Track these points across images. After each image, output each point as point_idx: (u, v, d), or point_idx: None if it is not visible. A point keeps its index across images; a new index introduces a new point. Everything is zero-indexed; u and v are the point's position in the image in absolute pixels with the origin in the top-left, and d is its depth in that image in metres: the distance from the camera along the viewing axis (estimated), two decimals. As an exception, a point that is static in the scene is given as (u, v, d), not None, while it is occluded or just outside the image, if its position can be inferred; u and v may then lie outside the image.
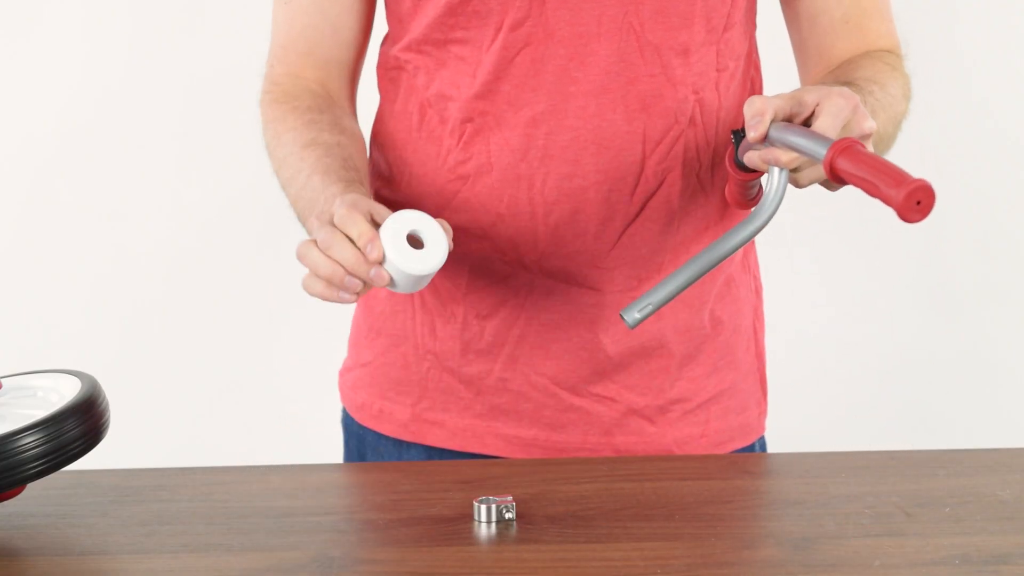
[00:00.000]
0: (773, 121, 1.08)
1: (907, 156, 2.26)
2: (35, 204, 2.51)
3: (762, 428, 1.41)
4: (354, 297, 1.11)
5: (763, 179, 1.14)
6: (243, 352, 2.55)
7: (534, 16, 1.23)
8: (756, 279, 1.42)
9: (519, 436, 1.33)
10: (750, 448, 1.39)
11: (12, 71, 2.47)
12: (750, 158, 1.11)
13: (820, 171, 1.08)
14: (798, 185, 1.12)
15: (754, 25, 1.34)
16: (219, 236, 2.51)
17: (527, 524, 1.10)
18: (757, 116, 1.08)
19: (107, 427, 1.12)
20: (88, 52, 2.46)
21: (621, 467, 1.23)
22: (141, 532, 1.10)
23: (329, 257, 1.10)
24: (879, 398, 2.57)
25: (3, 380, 1.19)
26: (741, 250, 1.37)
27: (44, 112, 2.48)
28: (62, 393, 1.14)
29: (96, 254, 2.52)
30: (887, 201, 0.97)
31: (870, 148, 1.10)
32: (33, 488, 1.17)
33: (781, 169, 1.09)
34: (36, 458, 1.05)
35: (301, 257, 1.13)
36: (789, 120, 1.09)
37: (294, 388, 2.52)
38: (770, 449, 1.42)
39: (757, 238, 1.41)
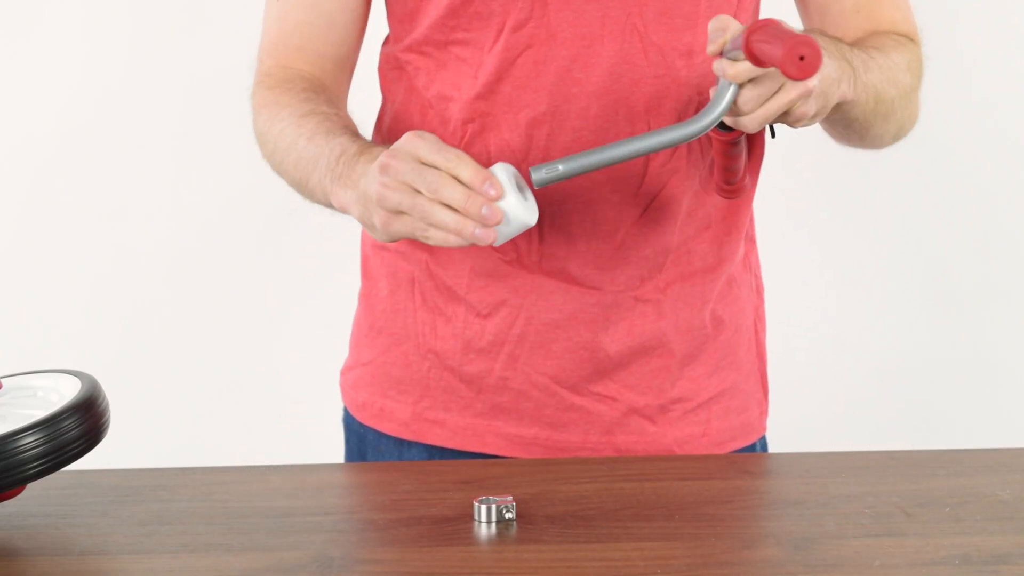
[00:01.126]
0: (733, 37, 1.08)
1: (908, 155, 2.26)
2: (35, 204, 2.51)
3: (763, 428, 1.41)
4: (490, 236, 1.08)
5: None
6: (243, 352, 2.55)
7: (536, 17, 1.23)
8: (757, 278, 1.42)
9: (520, 435, 1.33)
10: (751, 448, 1.39)
11: (12, 71, 2.47)
12: (718, 65, 1.10)
13: (767, 103, 1.09)
14: (747, 127, 1.11)
15: (755, 26, 1.34)
16: (219, 236, 2.51)
17: (527, 524, 1.10)
18: (718, 30, 1.09)
19: (107, 427, 1.12)
20: (88, 52, 2.46)
21: (621, 467, 1.23)
22: (141, 532, 1.10)
23: (439, 202, 1.08)
24: (879, 398, 2.57)
25: (3, 380, 1.19)
26: (743, 251, 1.37)
27: (44, 112, 2.48)
28: (62, 393, 1.14)
29: (96, 254, 2.52)
30: (774, 60, 0.99)
31: (832, 88, 1.11)
32: (33, 488, 1.17)
33: (729, 83, 1.09)
34: (36, 458, 1.05)
35: (391, 207, 1.10)
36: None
37: (295, 388, 2.52)
38: (771, 449, 1.42)
39: (757, 238, 1.42)
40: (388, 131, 1.34)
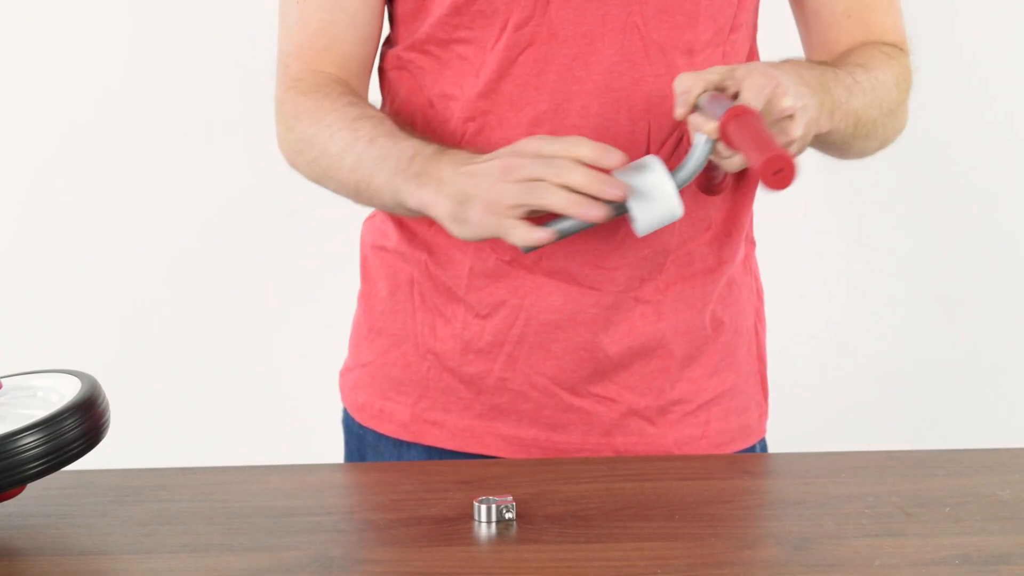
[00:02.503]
0: (704, 94, 1.11)
1: (907, 156, 2.26)
2: (35, 204, 2.51)
3: (763, 430, 1.41)
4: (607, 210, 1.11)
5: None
6: (243, 352, 2.55)
7: (538, 16, 1.23)
8: (757, 280, 1.42)
9: (519, 436, 1.33)
10: (751, 450, 1.39)
11: (12, 71, 2.47)
12: (688, 133, 1.14)
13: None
14: (727, 169, 1.15)
15: (755, 27, 1.34)
16: (219, 236, 2.51)
17: (527, 524, 1.10)
18: (683, 95, 1.12)
19: (107, 427, 1.12)
20: (88, 52, 2.46)
21: (621, 467, 1.23)
22: (141, 532, 1.10)
23: (565, 186, 1.11)
24: (879, 398, 2.57)
25: (3, 380, 1.19)
26: (743, 252, 1.37)
27: (44, 112, 2.48)
28: (62, 393, 1.14)
29: (96, 254, 2.52)
30: (751, 166, 1.02)
31: (796, 125, 1.13)
32: (33, 488, 1.17)
33: (707, 138, 1.11)
34: (36, 458, 1.05)
35: (523, 196, 1.12)
36: (720, 91, 1.13)
37: (294, 388, 2.52)
38: (770, 450, 1.42)
39: (757, 239, 1.42)
40: (389, 131, 1.34)
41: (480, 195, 1.14)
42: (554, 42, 1.23)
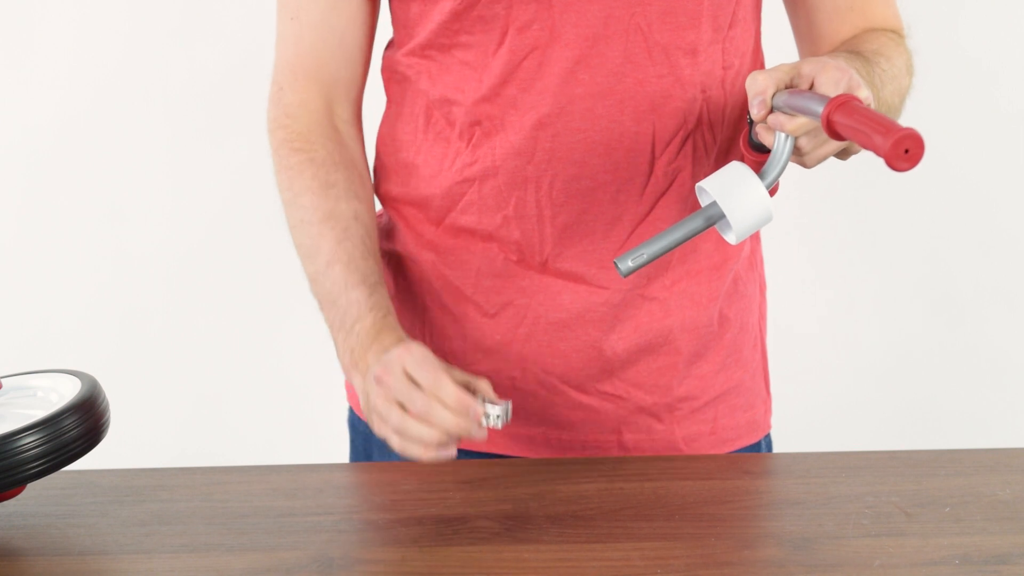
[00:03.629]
0: (776, 93, 1.10)
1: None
2: (35, 204, 2.51)
3: (768, 425, 1.42)
4: (454, 453, 1.12)
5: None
6: (244, 352, 2.55)
7: (540, 20, 1.23)
8: (761, 277, 1.42)
9: (527, 434, 1.33)
10: (757, 445, 1.39)
11: (12, 71, 2.47)
12: (760, 133, 1.13)
13: (825, 145, 1.11)
14: (806, 164, 1.14)
15: (759, 21, 1.34)
16: (220, 235, 2.51)
17: (527, 524, 1.10)
18: (759, 95, 1.10)
19: (107, 427, 1.12)
20: (88, 52, 2.46)
21: (621, 467, 1.23)
22: (141, 532, 1.10)
23: (429, 424, 1.10)
24: (879, 398, 2.57)
25: (3, 380, 1.19)
26: (748, 248, 1.37)
27: (44, 111, 2.48)
28: (62, 393, 1.14)
29: (96, 254, 2.52)
30: (877, 151, 0.99)
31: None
32: (33, 488, 1.18)
33: (787, 136, 1.11)
34: (36, 458, 1.05)
35: (382, 418, 1.13)
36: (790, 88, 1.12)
37: (298, 388, 2.52)
38: (773, 448, 1.42)
39: (763, 238, 1.42)
40: (391, 133, 1.34)
41: (368, 402, 1.16)
42: (557, 45, 1.23)
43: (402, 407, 1.12)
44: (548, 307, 1.29)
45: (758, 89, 1.11)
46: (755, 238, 1.40)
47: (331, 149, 1.31)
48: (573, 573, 1.01)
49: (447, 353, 1.33)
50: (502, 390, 1.32)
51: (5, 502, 1.15)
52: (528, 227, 1.27)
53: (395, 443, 1.13)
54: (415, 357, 1.13)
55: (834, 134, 1.04)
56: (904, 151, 0.97)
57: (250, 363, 2.55)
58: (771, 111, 1.10)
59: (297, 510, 1.14)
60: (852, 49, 1.25)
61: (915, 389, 2.57)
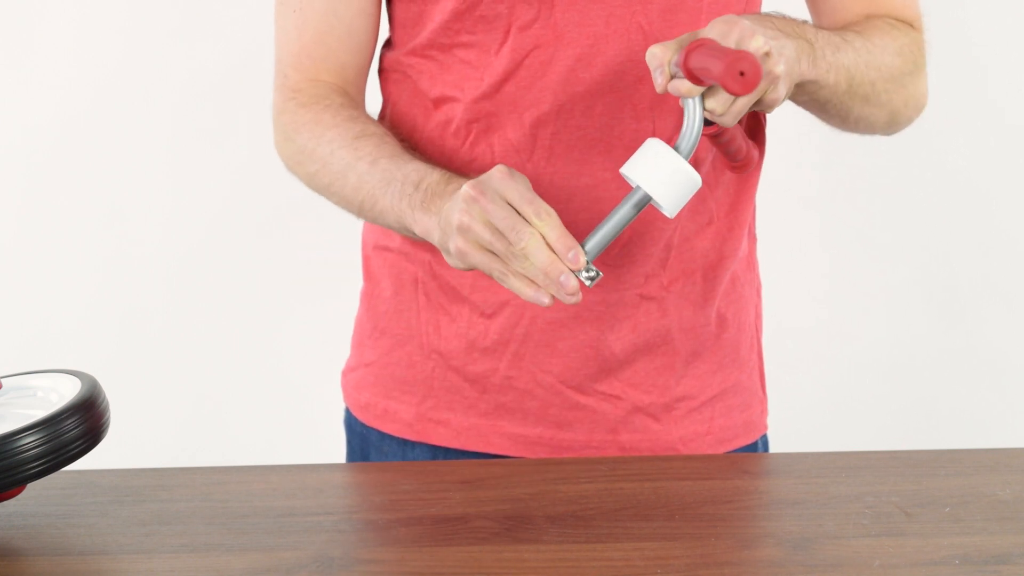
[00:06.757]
0: (672, 59, 1.09)
1: (908, 153, 2.25)
2: (35, 204, 2.51)
3: (765, 426, 1.42)
4: (550, 299, 1.10)
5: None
6: (243, 352, 2.55)
7: (542, 19, 1.23)
8: (758, 277, 1.42)
9: (524, 435, 1.33)
10: (753, 445, 1.39)
11: (12, 71, 2.47)
12: (675, 86, 1.10)
13: (736, 102, 1.09)
14: (726, 124, 1.11)
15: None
16: (219, 235, 2.51)
17: (527, 524, 1.10)
18: (658, 66, 1.09)
19: (107, 427, 1.12)
20: (88, 52, 2.46)
21: (621, 467, 1.23)
22: (141, 532, 1.10)
23: (527, 258, 1.08)
24: (879, 398, 2.57)
25: (3, 380, 1.19)
26: (746, 248, 1.37)
27: (44, 112, 2.48)
28: (62, 393, 1.14)
29: (96, 254, 2.52)
30: (717, 78, 1.00)
31: (774, 61, 1.10)
32: (33, 488, 1.17)
33: (694, 100, 1.09)
34: (36, 458, 1.05)
35: (475, 240, 1.10)
36: None
37: (295, 388, 2.52)
38: (771, 448, 1.42)
39: (760, 237, 1.42)
40: (391, 133, 1.34)
41: (452, 224, 1.12)
42: (559, 44, 1.23)
43: (499, 234, 1.09)
44: (546, 307, 1.29)
45: (656, 61, 1.09)
46: (752, 238, 1.40)
47: (347, 100, 1.30)
48: (573, 573, 1.01)
49: (443, 352, 1.33)
50: (500, 390, 1.32)
51: (5, 502, 1.15)
52: (527, 224, 1.26)
53: (497, 270, 1.10)
54: (518, 184, 1.10)
55: (693, 78, 1.04)
56: (739, 73, 0.99)
57: (250, 363, 2.55)
58: (672, 79, 1.09)
59: (297, 510, 1.14)
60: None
61: (915, 389, 2.57)
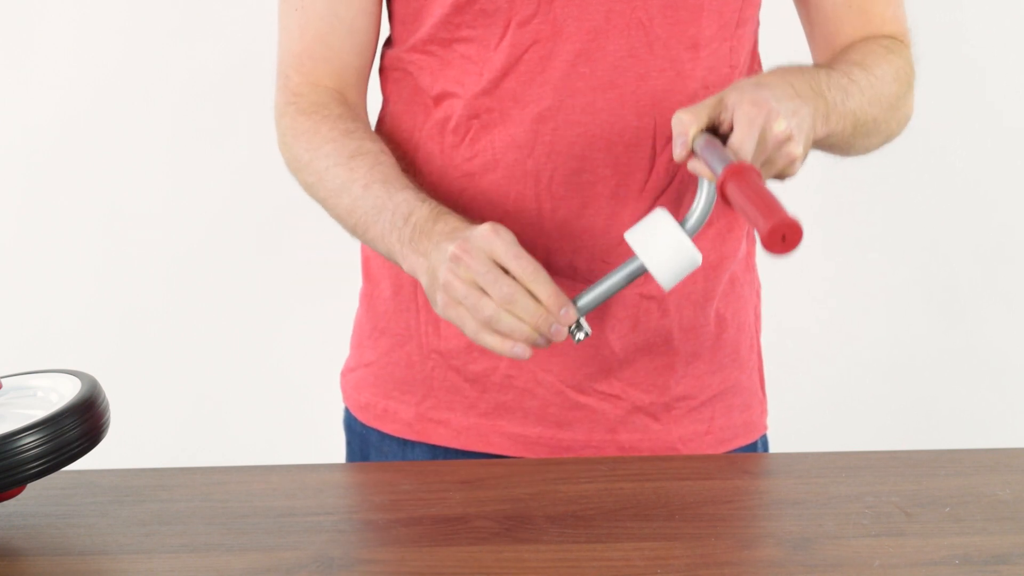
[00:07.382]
0: (700, 133, 1.10)
1: (908, 155, 2.25)
2: (35, 204, 2.51)
3: (764, 426, 1.42)
4: (529, 351, 1.10)
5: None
6: (243, 352, 2.55)
7: (542, 13, 1.23)
8: (756, 278, 1.42)
9: (524, 434, 1.33)
10: (753, 445, 1.39)
11: (12, 71, 2.47)
12: (693, 165, 1.13)
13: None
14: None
15: (757, 22, 1.34)
16: (219, 235, 2.51)
17: (527, 524, 1.10)
18: (680, 136, 1.10)
19: (107, 427, 1.12)
20: (88, 52, 2.46)
21: (621, 467, 1.23)
22: (141, 532, 1.10)
23: (512, 313, 1.09)
24: (879, 398, 2.57)
25: (3, 380, 1.19)
26: (745, 249, 1.37)
27: (44, 112, 2.48)
28: (62, 393, 1.14)
29: (96, 254, 2.52)
30: (756, 230, 1.00)
31: (794, 145, 1.11)
32: (33, 488, 1.17)
33: (709, 183, 1.11)
34: (36, 458, 1.05)
35: (458, 300, 1.10)
36: (716, 125, 1.12)
37: (294, 388, 2.52)
38: (771, 448, 1.42)
39: (759, 237, 1.42)
40: (389, 131, 1.34)
41: (438, 279, 1.12)
42: (558, 39, 1.23)
43: (481, 291, 1.09)
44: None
45: (679, 129, 1.10)
46: (751, 238, 1.40)
47: (346, 110, 1.30)
48: (573, 573, 1.01)
49: (443, 352, 1.33)
50: (499, 389, 1.32)
51: (5, 502, 1.15)
52: (528, 221, 1.26)
53: (469, 328, 1.10)
54: (505, 241, 1.10)
55: (728, 204, 1.04)
56: (781, 238, 0.98)
57: (250, 363, 2.55)
58: (692, 153, 1.10)
59: (297, 510, 1.14)
60: (833, 63, 1.25)
61: (915, 389, 2.57)
